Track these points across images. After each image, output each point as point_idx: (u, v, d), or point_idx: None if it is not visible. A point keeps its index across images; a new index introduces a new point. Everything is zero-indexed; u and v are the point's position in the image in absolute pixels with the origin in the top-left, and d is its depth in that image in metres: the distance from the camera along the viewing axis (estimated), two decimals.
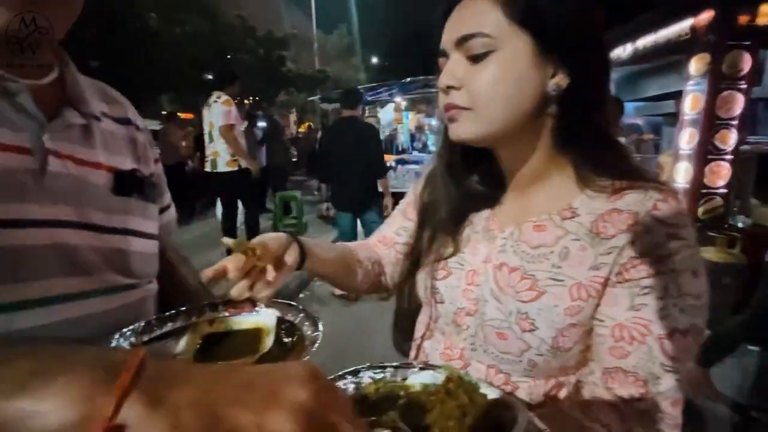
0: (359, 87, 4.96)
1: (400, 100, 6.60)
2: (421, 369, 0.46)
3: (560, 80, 0.49)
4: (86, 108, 0.55)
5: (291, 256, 0.57)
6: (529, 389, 0.54)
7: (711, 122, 2.76)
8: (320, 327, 0.47)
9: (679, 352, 0.45)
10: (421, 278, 0.64)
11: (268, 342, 0.44)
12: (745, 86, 2.70)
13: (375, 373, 0.47)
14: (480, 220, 0.62)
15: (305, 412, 0.23)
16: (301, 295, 3.52)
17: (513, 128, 0.51)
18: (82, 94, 0.55)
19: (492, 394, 0.40)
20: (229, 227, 3.81)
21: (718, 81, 2.71)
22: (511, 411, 0.36)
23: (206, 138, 3.56)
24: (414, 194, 0.73)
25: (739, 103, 2.72)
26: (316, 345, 0.44)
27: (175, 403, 0.22)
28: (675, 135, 3.05)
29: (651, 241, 0.47)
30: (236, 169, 3.47)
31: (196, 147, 6.79)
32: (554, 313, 0.50)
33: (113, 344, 0.44)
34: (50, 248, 0.47)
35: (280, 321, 0.51)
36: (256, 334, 0.47)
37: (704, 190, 2.83)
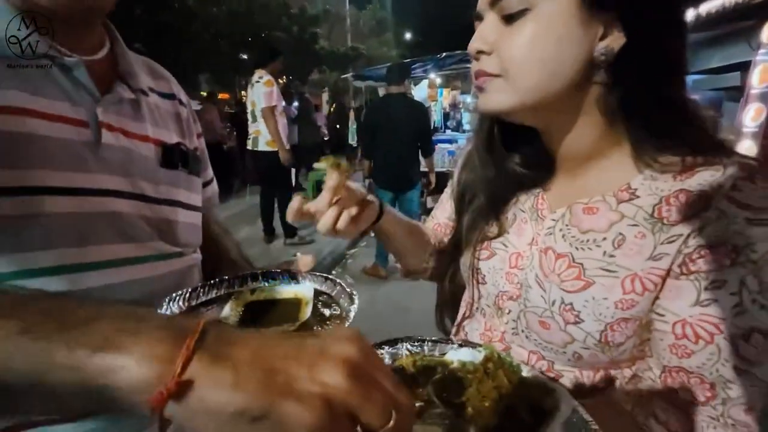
0: (391, 63, 4.85)
1: (435, 77, 6.42)
2: (461, 346, 0.46)
3: (612, 42, 0.43)
4: (135, 83, 0.57)
5: (373, 200, 0.57)
6: (574, 379, 0.50)
7: None
8: (356, 300, 0.47)
9: (758, 354, 0.40)
10: (465, 258, 0.62)
11: (307, 311, 0.45)
12: None
13: (413, 345, 0.47)
14: (528, 198, 0.57)
15: (351, 365, 0.24)
16: (333, 272, 3.61)
17: (550, 100, 0.45)
18: (132, 69, 0.58)
19: (534, 378, 0.38)
20: (266, 206, 3.92)
21: None
22: (554, 397, 0.34)
23: (249, 117, 3.62)
24: (452, 178, 0.70)
25: None
26: (352, 317, 0.44)
27: (235, 359, 0.24)
28: (738, 111, 2.77)
29: (725, 228, 0.41)
30: (275, 149, 3.53)
31: (233, 126, 6.99)
32: (603, 306, 0.45)
33: (164, 308, 0.47)
34: (105, 216, 0.50)
35: (318, 293, 0.52)
36: (295, 303, 0.49)
37: None
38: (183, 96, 0.70)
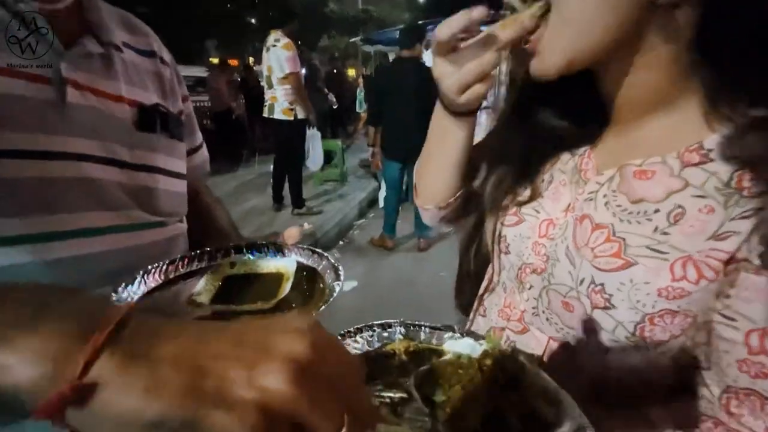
0: (403, 26, 4.61)
1: None
2: (463, 336, 0.41)
3: None
4: (106, 36, 0.52)
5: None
6: (599, 380, 0.42)
7: None
8: (341, 276, 0.44)
9: None
10: (489, 222, 0.54)
11: (286, 288, 0.42)
12: None
13: (409, 330, 0.43)
14: (571, 158, 0.48)
15: (299, 365, 0.20)
16: (340, 243, 3.61)
17: (607, 30, 0.37)
18: (102, 21, 0.52)
19: (539, 383, 0.32)
20: (278, 175, 3.84)
21: None
22: (558, 409, 0.29)
23: (264, 83, 3.48)
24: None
25: None
26: (335, 294, 0.41)
27: (155, 357, 0.20)
28: None
29: None
30: (291, 118, 3.42)
31: (241, 93, 6.85)
32: (642, 292, 0.37)
33: (137, 280, 0.44)
34: (76, 182, 0.47)
35: (303, 267, 0.49)
36: (276, 278, 0.46)
37: None
38: (165, 54, 0.65)
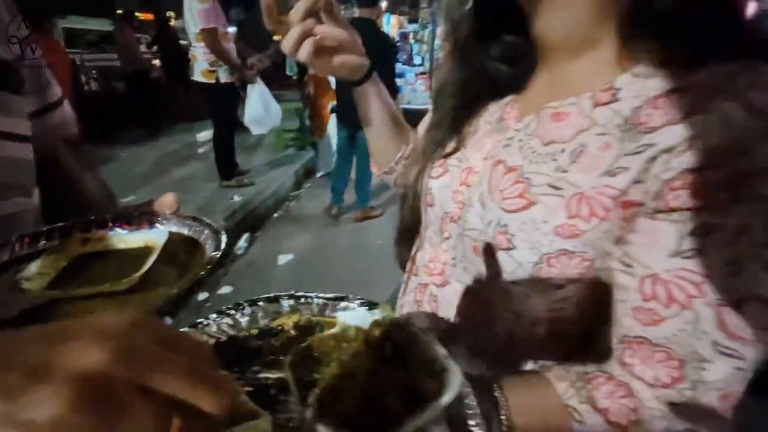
0: None
1: None
2: (363, 305, 0.38)
3: None
4: None
5: (360, 53, 0.51)
6: (508, 329, 0.42)
7: None
8: (222, 246, 0.38)
9: (751, 329, 0.30)
10: (420, 177, 0.55)
11: (148, 264, 0.36)
12: None
13: (300, 302, 0.40)
14: (499, 107, 0.50)
15: (90, 382, 0.15)
16: (275, 215, 3.46)
17: None
18: None
19: (428, 352, 0.28)
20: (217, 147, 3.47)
21: None
22: (440, 380, 0.26)
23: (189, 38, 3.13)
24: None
25: None
26: (210, 266, 0.36)
27: None
28: None
29: (727, 141, 0.29)
30: (213, 81, 3.08)
31: (159, 52, 6.06)
32: (540, 231, 0.37)
33: None
34: None
35: (183, 239, 0.43)
36: (142, 254, 0.39)
37: None
38: None
